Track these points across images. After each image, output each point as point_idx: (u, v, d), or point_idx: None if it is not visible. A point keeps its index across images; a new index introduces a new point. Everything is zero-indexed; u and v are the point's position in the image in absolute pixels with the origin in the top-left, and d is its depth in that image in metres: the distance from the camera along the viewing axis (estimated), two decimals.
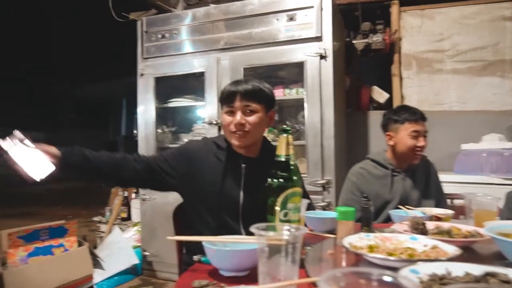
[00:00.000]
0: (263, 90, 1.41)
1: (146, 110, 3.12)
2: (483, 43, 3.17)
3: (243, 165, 1.42)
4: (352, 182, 1.95)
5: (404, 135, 1.86)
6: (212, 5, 3.01)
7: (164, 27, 3.07)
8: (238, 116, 1.36)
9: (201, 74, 2.95)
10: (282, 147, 1.02)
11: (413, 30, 3.33)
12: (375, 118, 3.25)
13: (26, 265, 2.34)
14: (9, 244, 2.35)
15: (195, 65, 2.97)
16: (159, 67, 3.09)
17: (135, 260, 3.00)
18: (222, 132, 1.56)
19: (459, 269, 0.75)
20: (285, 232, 0.76)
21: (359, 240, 1.00)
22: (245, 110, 1.37)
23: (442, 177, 2.61)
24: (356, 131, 3.28)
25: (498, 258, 0.94)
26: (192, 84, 3.22)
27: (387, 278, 0.45)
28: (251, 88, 1.37)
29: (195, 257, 1.02)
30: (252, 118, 1.37)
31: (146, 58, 3.13)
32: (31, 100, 17.10)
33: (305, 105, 2.57)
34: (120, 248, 3.11)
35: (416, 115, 1.87)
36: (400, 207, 1.54)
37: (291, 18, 2.66)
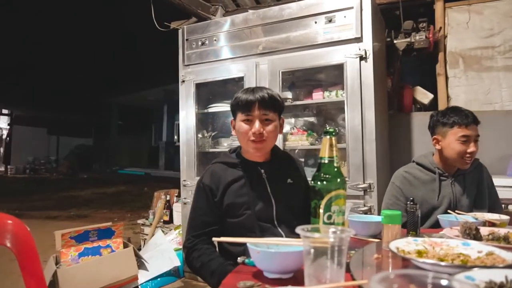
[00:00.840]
0: (277, 99, 1.45)
1: (187, 115, 3.20)
2: None
3: (262, 171, 1.46)
4: (396, 186, 1.87)
5: (452, 139, 1.74)
6: (250, 11, 3.04)
7: (204, 35, 3.15)
8: (257, 125, 1.39)
9: (240, 79, 2.98)
10: (325, 149, 1.00)
11: (460, 26, 3.18)
12: (419, 120, 3.13)
13: (77, 265, 2.48)
14: (62, 244, 2.50)
15: (234, 70, 3.01)
16: (199, 73, 3.16)
17: (176, 263, 3.07)
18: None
19: None
20: (330, 235, 0.75)
21: (407, 245, 0.96)
22: (262, 119, 1.41)
23: (495, 181, 2.47)
24: (399, 134, 3.17)
25: None
26: (231, 89, 3.27)
27: (444, 282, 0.43)
28: (268, 96, 1.41)
29: (239, 259, 1.03)
30: (269, 127, 1.42)
31: (187, 65, 3.21)
32: (82, 109, 18.15)
33: (345, 107, 2.52)
34: (162, 250, 3.20)
35: (467, 119, 1.72)
36: (450, 212, 1.46)
37: (330, 20, 2.63)
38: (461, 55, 3.17)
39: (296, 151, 2.97)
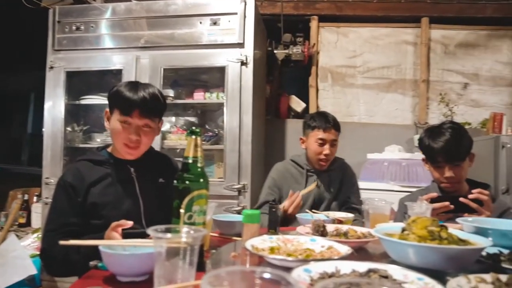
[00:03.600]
0: (160, 102, 1.39)
1: (54, 106, 2.88)
2: (389, 62, 3.51)
3: (131, 169, 1.41)
4: (271, 178, 2.02)
5: (311, 141, 1.93)
6: (134, 1, 2.89)
7: (80, 19, 2.88)
8: (134, 135, 1.33)
9: (119, 72, 2.82)
10: (190, 149, 1.00)
11: (330, 45, 3.56)
12: (293, 126, 3.39)
13: None
14: None
15: (113, 61, 2.83)
16: (72, 61, 2.88)
17: (32, 271, 2.72)
18: None
19: (348, 267, 0.80)
20: (183, 234, 0.75)
21: (262, 242, 1.02)
22: (143, 126, 1.35)
23: None
24: (274, 138, 3.39)
25: (385, 257, 1.03)
26: (108, 81, 3.05)
27: (267, 275, 0.46)
28: (151, 100, 1.34)
29: (91, 263, 0.96)
30: (147, 136, 1.38)
31: (57, 50, 2.90)
32: None
33: (225, 110, 2.59)
34: (15, 257, 2.80)
35: (326, 124, 1.91)
36: (307, 210, 1.61)
37: (215, 23, 2.67)
38: (330, 70, 3.55)
39: (178, 150, 2.92)
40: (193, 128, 0.99)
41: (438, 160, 1.57)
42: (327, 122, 1.93)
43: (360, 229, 1.25)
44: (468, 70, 3.44)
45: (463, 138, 1.57)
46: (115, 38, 2.84)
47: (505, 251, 0.98)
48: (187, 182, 0.97)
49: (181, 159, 2.79)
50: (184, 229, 0.76)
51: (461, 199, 1.42)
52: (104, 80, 3.06)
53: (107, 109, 1.42)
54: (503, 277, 0.71)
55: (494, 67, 3.42)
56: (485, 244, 0.88)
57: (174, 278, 0.73)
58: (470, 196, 1.42)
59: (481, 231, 1.05)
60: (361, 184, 2.79)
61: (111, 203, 1.34)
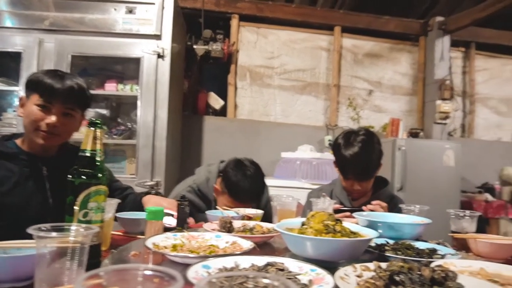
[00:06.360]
0: (86, 94, 1.29)
1: None
2: (304, 66, 3.68)
3: (43, 167, 1.28)
4: None
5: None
6: None
7: None
8: (54, 117, 1.20)
9: (18, 55, 2.53)
10: (88, 141, 0.93)
11: (249, 44, 3.62)
12: (211, 123, 3.38)
13: None
14: None
15: (10, 43, 2.54)
16: None
17: None
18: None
19: (247, 261, 0.82)
20: (72, 233, 0.69)
21: (165, 240, 0.99)
22: (63, 113, 1.23)
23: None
24: (191, 134, 3.34)
25: (287, 250, 1.07)
26: (5, 64, 2.74)
27: (149, 272, 0.44)
28: (77, 89, 1.24)
29: None
30: (68, 123, 1.25)
31: None
32: None
33: (139, 103, 2.48)
34: None
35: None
36: (217, 207, 1.60)
37: (130, 11, 2.55)
38: (249, 70, 3.61)
39: None
40: (93, 119, 0.92)
41: (348, 176, 1.61)
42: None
43: (266, 225, 1.28)
44: (373, 78, 3.77)
45: (373, 153, 1.58)
46: (15, 17, 2.55)
47: (391, 242, 1.08)
48: (83, 177, 0.90)
49: None
50: (73, 227, 0.70)
51: (363, 207, 1.49)
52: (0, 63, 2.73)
53: (23, 96, 1.27)
54: (384, 265, 0.78)
55: (394, 77, 3.79)
56: (372, 236, 0.96)
57: (59, 280, 0.67)
58: (369, 206, 1.49)
59: (372, 224, 1.16)
60: (276, 182, 2.90)
61: (18, 204, 1.20)
